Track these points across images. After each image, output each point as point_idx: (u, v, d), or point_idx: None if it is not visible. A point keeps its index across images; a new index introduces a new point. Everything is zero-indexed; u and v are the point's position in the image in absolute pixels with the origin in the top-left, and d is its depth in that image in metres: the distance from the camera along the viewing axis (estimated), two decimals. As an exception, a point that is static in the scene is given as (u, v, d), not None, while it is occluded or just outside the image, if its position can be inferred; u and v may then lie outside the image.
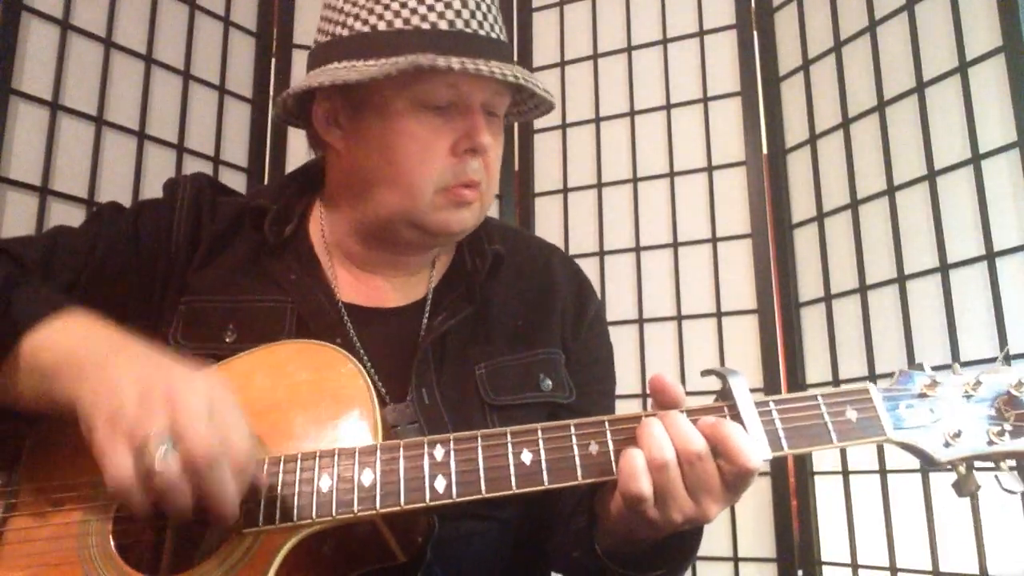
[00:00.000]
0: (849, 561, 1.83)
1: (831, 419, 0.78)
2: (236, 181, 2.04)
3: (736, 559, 1.98)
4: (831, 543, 1.89)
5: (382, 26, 0.95)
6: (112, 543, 0.80)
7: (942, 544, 1.65)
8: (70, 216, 1.69)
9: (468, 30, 0.95)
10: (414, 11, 0.94)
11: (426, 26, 0.94)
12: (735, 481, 0.75)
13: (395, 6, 0.95)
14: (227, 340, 0.96)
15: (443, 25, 0.94)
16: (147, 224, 1.02)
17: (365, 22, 0.96)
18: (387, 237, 1.02)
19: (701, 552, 2.14)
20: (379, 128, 0.97)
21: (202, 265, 1.01)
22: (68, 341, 0.81)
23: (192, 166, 1.95)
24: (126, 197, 1.80)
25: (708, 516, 0.76)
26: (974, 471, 0.78)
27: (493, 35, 0.97)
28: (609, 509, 0.81)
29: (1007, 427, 0.78)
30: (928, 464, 0.79)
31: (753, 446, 0.74)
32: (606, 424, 0.78)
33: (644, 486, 0.74)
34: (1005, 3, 1.62)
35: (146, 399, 0.70)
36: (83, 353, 0.78)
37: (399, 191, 0.97)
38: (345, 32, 0.97)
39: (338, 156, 1.04)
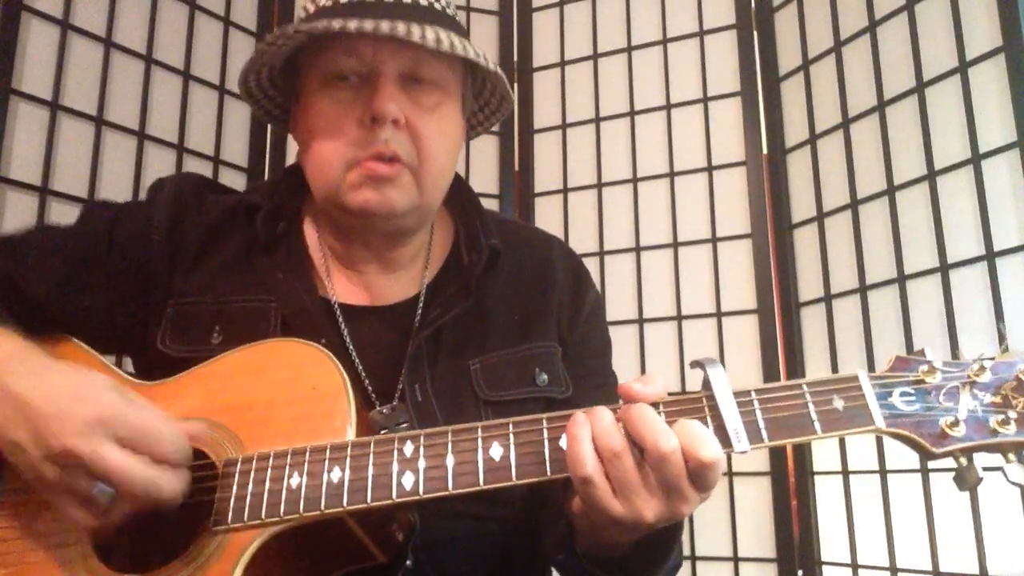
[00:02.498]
0: (849, 561, 1.83)
1: (816, 409, 0.74)
2: (236, 181, 2.04)
3: (736, 559, 1.98)
4: (831, 543, 1.89)
5: (303, 13, 0.98)
6: (89, 543, 0.80)
7: (942, 544, 1.65)
8: (70, 216, 1.68)
9: None
10: None
11: (328, 3, 0.94)
12: (699, 480, 0.71)
13: None
14: (214, 342, 0.95)
15: None
16: (124, 228, 1.01)
17: (304, 8, 0.99)
18: (345, 228, 1.01)
19: (701, 552, 2.15)
20: (303, 112, 0.98)
21: (192, 266, 0.99)
22: None
23: (192, 166, 1.95)
24: (126, 197, 1.78)
25: (679, 514, 0.73)
26: (975, 463, 0.73)
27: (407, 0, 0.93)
28: (573, 509, 0.80)
29: (1012, 415, 0.72)
30: (924, 455, 0.74)
31: (710, 439, 0.71)
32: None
33: (591, 470, 0.71)
34: (1005, 3, 1.62)
35: (66, 470, 0.74)
36: None
37: (317, 172, 0.96)
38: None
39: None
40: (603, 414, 0.74)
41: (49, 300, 0.96)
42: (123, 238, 1.00)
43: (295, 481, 0.76)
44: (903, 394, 0.75)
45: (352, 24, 0.86)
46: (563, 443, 0.74)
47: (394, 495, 0.75)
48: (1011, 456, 0.73)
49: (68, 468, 0.74)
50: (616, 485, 0.72)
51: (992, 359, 0.75)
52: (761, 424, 0.74)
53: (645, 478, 0.71)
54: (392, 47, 0.92)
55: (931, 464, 1.66)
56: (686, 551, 2.00)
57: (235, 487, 0.78)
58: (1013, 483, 0.72)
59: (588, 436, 0.72)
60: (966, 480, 0.73)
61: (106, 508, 0.75)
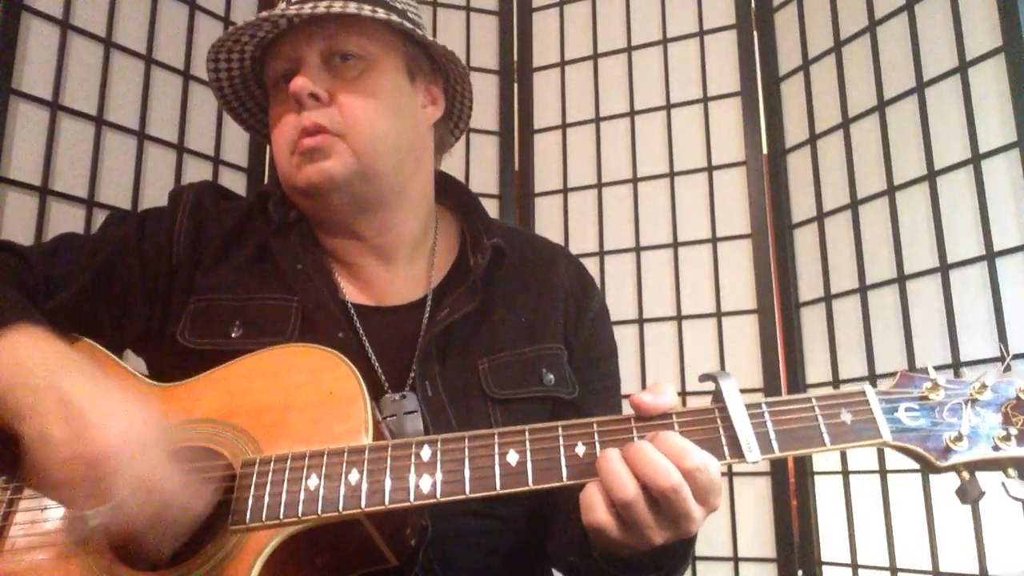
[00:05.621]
0: (849, 561, 1.83)
1: (824, 421, 0.77)
2: (236, 181, 2.04)
3: (736, 559, 1.98)
4: (831, 543, 1.89)
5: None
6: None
7: (942, 544, 1.65)
8: (70, 216, 1.69)
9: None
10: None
11: (265, 15, 0.99)
12: (704, 498, 0.74)
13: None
14: (233, 335, 0.97)
15: (274, 11, 0.99)
16: (151, 230, 1.04)
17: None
18: (315, 218, 1.06)
19: (701, 552, 2.14)
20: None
21: (212, 267, 1.02)
22: (8, 362, 0.79)
23: (192, 166, 1.95)
24: (126, 197, 1.80)
25: (688, 533, 0.75)
26: (978, 477, 0.76)
27: None
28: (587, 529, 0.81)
29: (1013, 432, 0.76)
30: (929, 469, 0.77)
31: (703, 456, 0.73)
32: (594, 426, 0.78)
33: (602, 517, 0.73)
34: (1005, 3, 1.62)
35: (82, 476, 0.72)
36: (19, 382, 0.77)
37: (277, 165, 1.03)
38: None
39: None
40: (613, 461, 0.74)
41: (78, 302, 0.99)
42: (150, 244, 1.03)
43: (313, 482, 0.77)
44: (908, 409, 0.78)
45: (241, 23, 0.98)
46: (578, 450, 0.77)
47: (412, 497, 0.76)
48: (1011, 471, 0.76)
49: (79, 479, 0.72)
50: (628, 524, 0.74)
51: (994, 378, 0.78)
52: (772, 435, 0.76)
53: (655, 515, 0.73)
54: (305, 36, 0.99)
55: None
56: (686, 551, 2.00)
57: (253, 487, 0.79)
58: (1014, 498, 0.74)
59: (599, 491, 0.74)
60: (968, 494, 0.76)
61: (86, 533, 0.73)
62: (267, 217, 1.04)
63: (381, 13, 0.96)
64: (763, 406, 0.78)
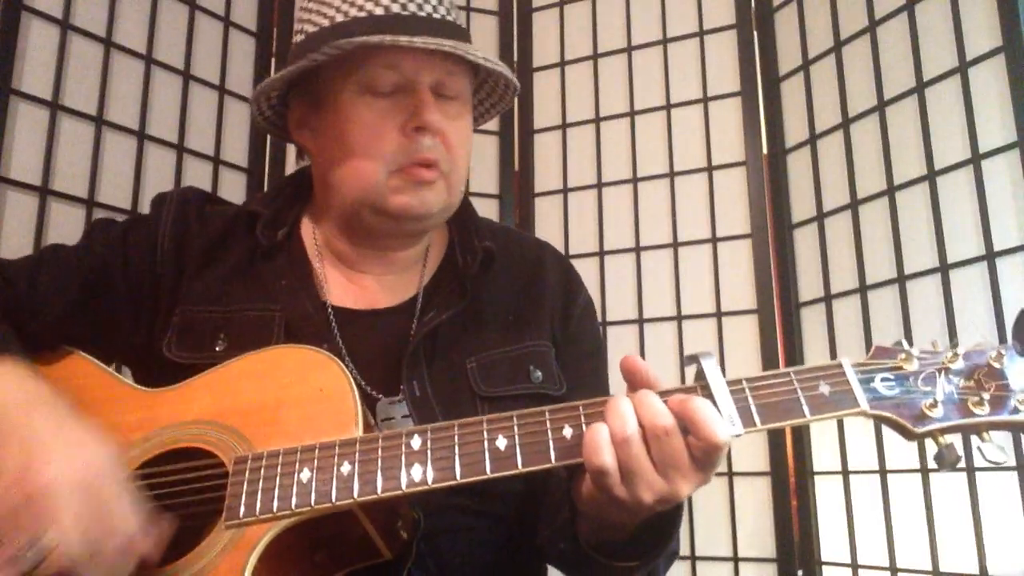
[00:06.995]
0: (849, 561, 1.83)
1: (804, 394, 0.79)
2: (236, 181, 2.04)
3: (736, 559, 1.98)
4: (831, 543, 1.89)
5: (325, 22, 0.99)
6: None
7: (942, 544, 1.65)
8: (70, 216, 1.69)
9: (405, 12, 0.97)
10: (352, 3, 0.98)
11: (363, 14, 0.97)
12: (703, 457, 0.75)
13: (337, 2, 0.99)
14: (217, 349, 0.98)
15: (379, 11, 0.97)
16: (135, 240, 1.04)
17: (324, 16, 1.01)
18: (363, 230, 1.04)
19: (701, 552, 2.14)
20: (333, 120, 1.00)
21: (196, 275, 1.03)
22: None
23: (192, 166, 1.95)
24: (126, 197, 1.80)
25: (679, 494, 0.76)
26: (955, 443, 0.78)
27: (436, 15, 0.99)
28: (581, 492, 0.82)
29: (986, 397, 0.78)
30: (906, 436, 0.79)
31: (721, 421, 0.74)
32: (580, 408, 0.80)
33: (607, 459, 0.74)
34: (1005, 3, 1.62)
35: (21, 508, 0.71)
36: None
37: (354, 178, 1.00)
38: (308, 31, 1.02)
39: (313, 157, 1.07)
40: (620, 402, 0.76)
41: (65, 319, 0.99)
42: (135, 254, 1.03)
43: (305, 475, 0.78)
44: (884, 379, 0.80)
45: (418, 40, 0.92)
46: (566, 432, 0.78)
47: (403, 485, 0.77)
48: (986, 435, 0.78)
49: (12, 510, 0.71)
50: (625, 472, 0.75)
51: (966, 347, 0.82)
52: (753, 409, 0.78)
53: (651, 460, 0.75)
54: (426, 61, 0.98)
55: (931, 464, 1.66)
56: (686, 551, 2.00)
57: (246, 483, 0.80)
58: (990, 461, 0.77)
59: (606, 430, 0.75)
60: (946, 459, 0.77)
61: (24, 568, 0.70)
62: (254, 236, 1.05)
63: (513, 79, 1.04)
64: (743, 382, 0.80)
